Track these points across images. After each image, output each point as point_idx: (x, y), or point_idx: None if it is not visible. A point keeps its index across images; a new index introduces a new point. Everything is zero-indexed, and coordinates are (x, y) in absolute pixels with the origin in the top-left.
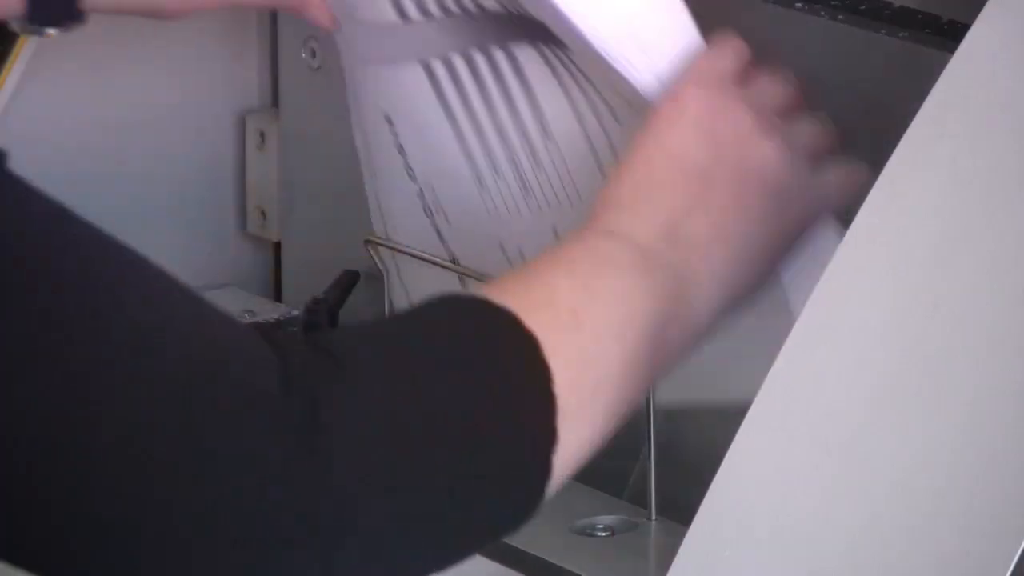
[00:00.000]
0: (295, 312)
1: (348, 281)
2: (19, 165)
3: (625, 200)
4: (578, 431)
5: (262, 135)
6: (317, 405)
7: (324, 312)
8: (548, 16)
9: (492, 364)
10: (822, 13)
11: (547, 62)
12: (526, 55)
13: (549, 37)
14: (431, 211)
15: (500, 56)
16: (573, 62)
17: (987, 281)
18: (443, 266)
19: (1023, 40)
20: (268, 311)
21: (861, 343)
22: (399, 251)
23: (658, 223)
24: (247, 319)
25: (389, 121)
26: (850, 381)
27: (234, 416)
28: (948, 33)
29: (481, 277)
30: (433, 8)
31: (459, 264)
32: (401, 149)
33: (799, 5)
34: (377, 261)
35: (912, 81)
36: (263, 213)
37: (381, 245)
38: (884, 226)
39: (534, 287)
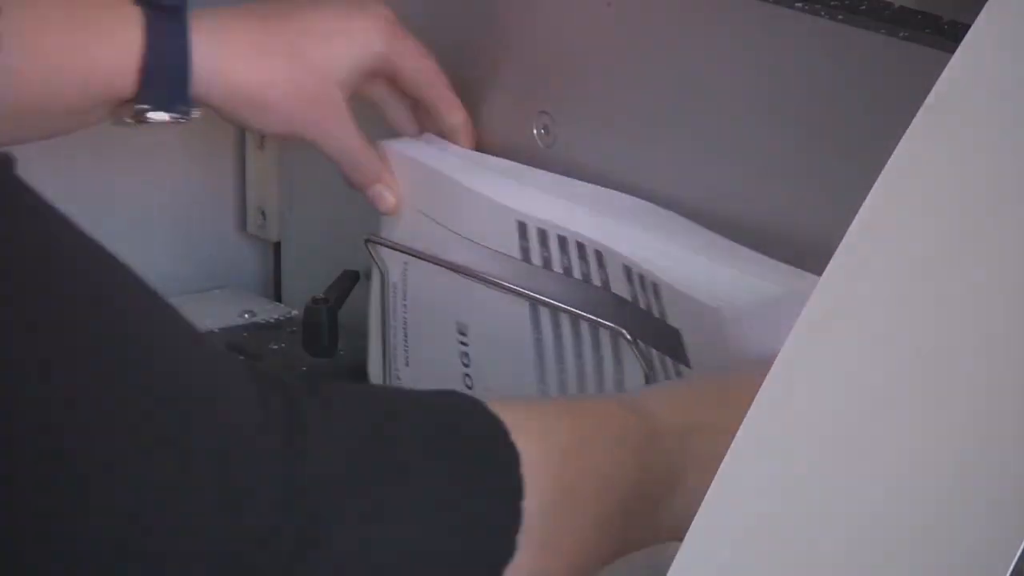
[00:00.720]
0: (295, 312)
1: (348, 281)
2: (20, 165)
3: (662, 397)
4: (541, 558)
5: (262, 135)
6: (292, 432)
7: (324, 312)
8: (697, 334)
9: (467, 456)
10: (822, 13)
11: (646, 363)
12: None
13: (663, 345)
14: None
15: (604, 334)
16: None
17: (988, 281)
18: (443, 266)
19: (1023, 40)
20: (268, 311)
21: (861, 343)
22: (399, 251)
23: (680, 422)
24: (247, 319)
25: (461, 331)
26: (850, 381)
27: (213, 441)
28: (948, 33)
29: (480, 279)
30: (556, 265)
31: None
32: (466, 358)
33: (799, 5)
34: (377, 261)
35: (912, 81)
36: (263, 213)
37: (381, 245)
38: (884, 226)
39: (536, 417)
